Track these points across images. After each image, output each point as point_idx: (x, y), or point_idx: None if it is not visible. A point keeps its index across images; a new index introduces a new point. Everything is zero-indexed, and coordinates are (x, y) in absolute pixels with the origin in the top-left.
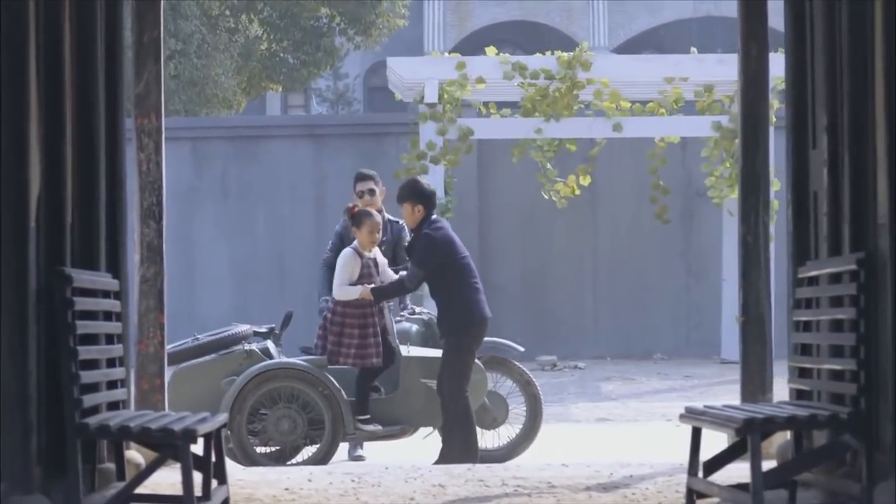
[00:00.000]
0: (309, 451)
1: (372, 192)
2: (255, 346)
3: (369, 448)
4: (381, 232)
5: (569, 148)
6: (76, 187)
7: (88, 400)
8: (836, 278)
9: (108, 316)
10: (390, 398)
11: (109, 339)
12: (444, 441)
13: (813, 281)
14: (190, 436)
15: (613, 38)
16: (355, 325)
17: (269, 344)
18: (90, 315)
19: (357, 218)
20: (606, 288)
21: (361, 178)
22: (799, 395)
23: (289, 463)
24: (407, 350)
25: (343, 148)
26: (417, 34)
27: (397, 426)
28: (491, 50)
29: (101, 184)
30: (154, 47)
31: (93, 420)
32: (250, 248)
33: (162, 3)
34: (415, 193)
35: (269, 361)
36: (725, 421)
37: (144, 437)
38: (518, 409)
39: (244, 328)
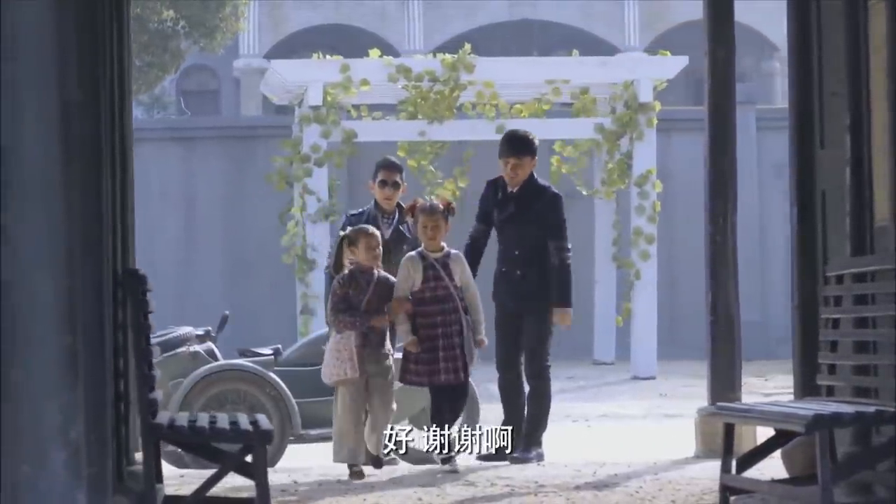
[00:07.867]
0: None
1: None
2: (199, 348)
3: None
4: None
5: (437, 153)
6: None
7: None
8: (860, 277)
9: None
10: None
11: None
12: (533, 409)
13: (839, 280)
14: (266, 436)
15: (429, 42)
16: (424, 340)
17: (213, 346)
18: None
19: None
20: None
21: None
22: (805, 391)
23: None
24: None
25: (212, 151)
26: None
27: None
28: (374, 52)
29: (130, 186)
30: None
31: (164, 420)
32: None
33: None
34: (533, 146)
35: (216, 363)
36: (786, 418)
37: (215, 438)
38: None
39: (186, 330)
